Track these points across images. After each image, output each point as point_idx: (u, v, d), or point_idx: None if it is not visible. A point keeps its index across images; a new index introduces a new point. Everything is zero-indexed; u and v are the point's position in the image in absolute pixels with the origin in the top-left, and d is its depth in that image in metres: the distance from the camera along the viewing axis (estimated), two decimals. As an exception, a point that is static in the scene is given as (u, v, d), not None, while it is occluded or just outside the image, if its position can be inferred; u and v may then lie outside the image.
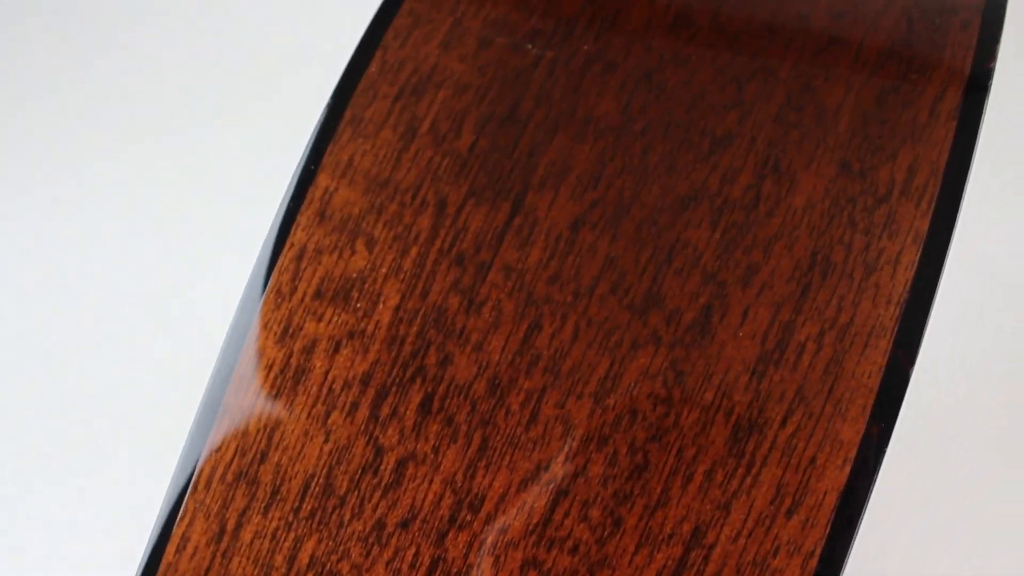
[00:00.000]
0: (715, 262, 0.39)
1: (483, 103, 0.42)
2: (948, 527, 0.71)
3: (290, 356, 0.40)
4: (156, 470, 0.56)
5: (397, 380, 0.39)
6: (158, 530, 0.39)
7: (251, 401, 0.39)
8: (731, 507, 0.37)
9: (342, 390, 0.39)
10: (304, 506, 0.39)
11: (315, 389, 0.39)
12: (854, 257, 0.39)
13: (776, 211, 0.39)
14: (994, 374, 0.76)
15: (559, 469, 0.38)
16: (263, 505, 0.39)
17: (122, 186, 0.86)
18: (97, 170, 0.87)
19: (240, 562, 0.39)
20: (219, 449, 0.39)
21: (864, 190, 0.39)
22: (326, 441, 0.39)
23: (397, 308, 0.39)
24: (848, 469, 0.37)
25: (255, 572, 0.39)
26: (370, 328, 0.39)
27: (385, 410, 0.39)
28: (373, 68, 0.43)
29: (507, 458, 0.38)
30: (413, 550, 0.38)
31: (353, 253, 0.40)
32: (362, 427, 0.39)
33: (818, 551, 0.37)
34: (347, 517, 0.38)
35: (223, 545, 0.39)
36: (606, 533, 0.37)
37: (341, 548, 0.38)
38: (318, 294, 0.40)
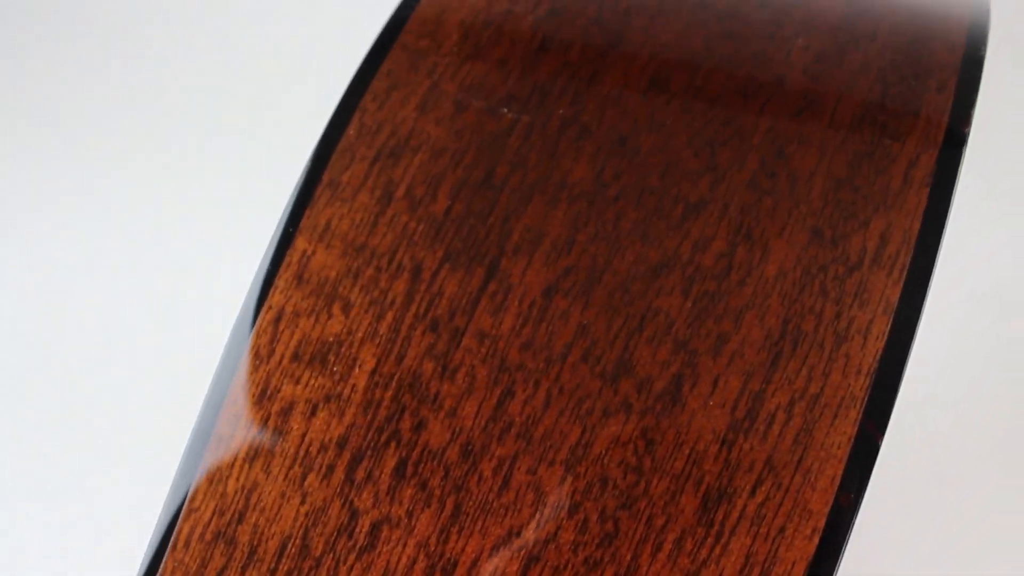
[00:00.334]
0: (686, 330, 0.39)
1: (459, 167, 0.42)
2: (943, 536, 0.71)
3: (268, 418, 0.40)
4: (156, 471, 0.56)
5: (372, 444, 0.39)
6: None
7: (229, 461, 0.40)
8: (700, 576, 0.37)
9: (318, 453, 0.39)
10: (281, 567, 0.39)
11: (292, 451, 0.40)
12: (824, 327, 0.39)
13: (748, 280, 0.39)
14: (989, 383, 0.76)
15: (530, 535, 0.38)
16: (241, 565, 0.39)
17: (125, 192, 0.87)
18: (100, 175, 0.88)
19: (217, 624, 0.39)
20: (198, 509, 0.40)
21: (836, 258, 0.39)
22: (302, 503, 0.39)
23: (373, 372, 0.40)
24: (817, 539, 0.37)
25: (231, 634, 0.39)
26: (346, 392, 0.40)
27: (360, 473, 0.39)
28: (351, 131, 0.43)
29: (479, 523, 0.38)
30: (386, 615, 0.38)
31: (330, 317, 0.41)
32: (338, 490, 0.39)
33: (786, 621, 0.37)
34: (321, 581, 0.39)
35: (200, 607, 0.39)
36: (576, 601, 0.37)
37: (315, 612, 0.39)
38: (296, 357, 0.40)
